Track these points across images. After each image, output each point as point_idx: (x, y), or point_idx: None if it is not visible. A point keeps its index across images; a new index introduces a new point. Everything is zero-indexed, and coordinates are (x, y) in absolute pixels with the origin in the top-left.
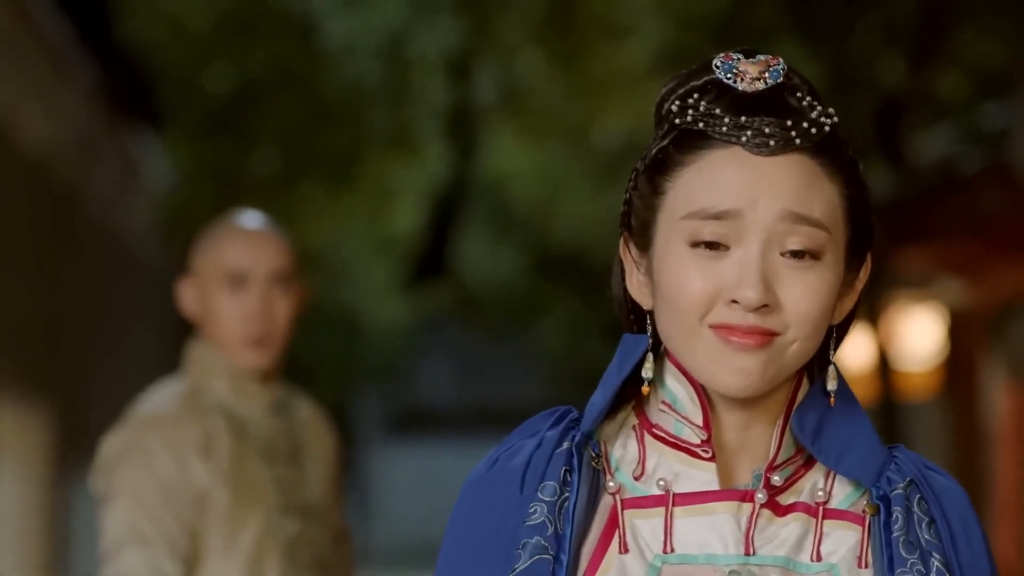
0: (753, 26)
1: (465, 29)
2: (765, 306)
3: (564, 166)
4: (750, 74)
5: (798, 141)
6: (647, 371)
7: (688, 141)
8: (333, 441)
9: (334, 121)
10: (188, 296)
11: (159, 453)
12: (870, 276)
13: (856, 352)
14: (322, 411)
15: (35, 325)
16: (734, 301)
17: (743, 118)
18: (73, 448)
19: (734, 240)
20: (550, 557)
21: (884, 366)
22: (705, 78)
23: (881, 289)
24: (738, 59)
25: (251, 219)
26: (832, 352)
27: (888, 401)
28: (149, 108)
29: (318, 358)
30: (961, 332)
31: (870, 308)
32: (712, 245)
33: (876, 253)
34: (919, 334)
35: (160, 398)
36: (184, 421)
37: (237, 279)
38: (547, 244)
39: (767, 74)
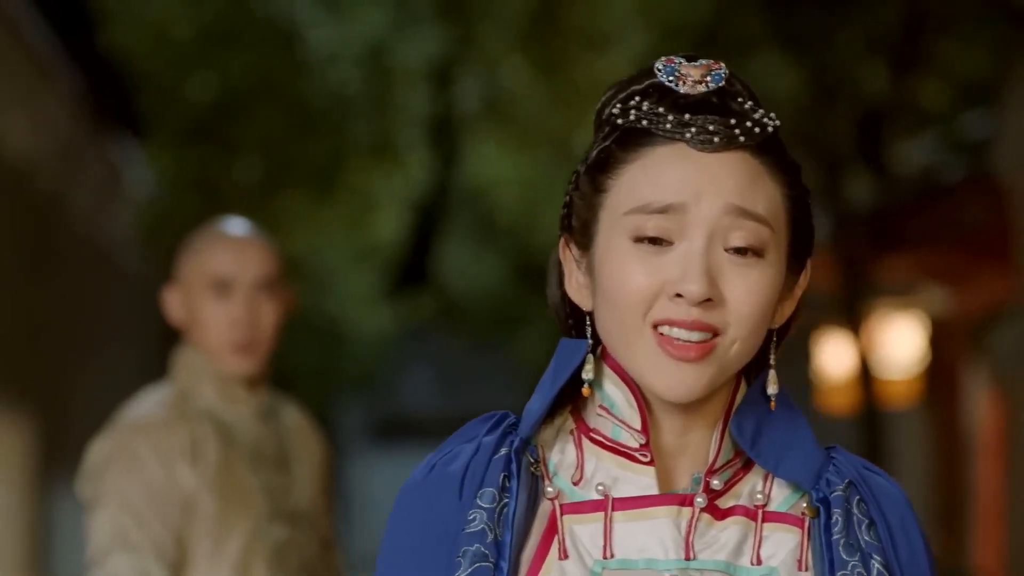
0: (735, 35)
1: (447, 38)
2: (708, 300)
3: (547, 175)
4: (692, 77)
5: (742, 139)
6: (587, 372)
7: (631, 139)
8: (322, 447)
9: (316, 130)
10: (174, 303)
11: (146, 458)
12: (852, 283)
13: (838, 360)
14: (310, 417)
15: (17, 333)
16: (678, 295)
17: (687, 115)
18: (56, 456)
19: (677, 235)
20: (490, 565)
21: (866, 374)
22: (647, 82)
23: (863, 297)
24: (680, 63)
25: (237, 226)
26: (772, 356)
27: (870, 409)
28: (132, 116)
29: (300, 366)
30: (943, 340)
31: (852, 316)
32: (655, 240)
33: (859, 260)
34: (901, 342)
35: (147, 404)
36: (171, 426)
37: (222, 286)
38: (529, 253)
39: (709, 78)
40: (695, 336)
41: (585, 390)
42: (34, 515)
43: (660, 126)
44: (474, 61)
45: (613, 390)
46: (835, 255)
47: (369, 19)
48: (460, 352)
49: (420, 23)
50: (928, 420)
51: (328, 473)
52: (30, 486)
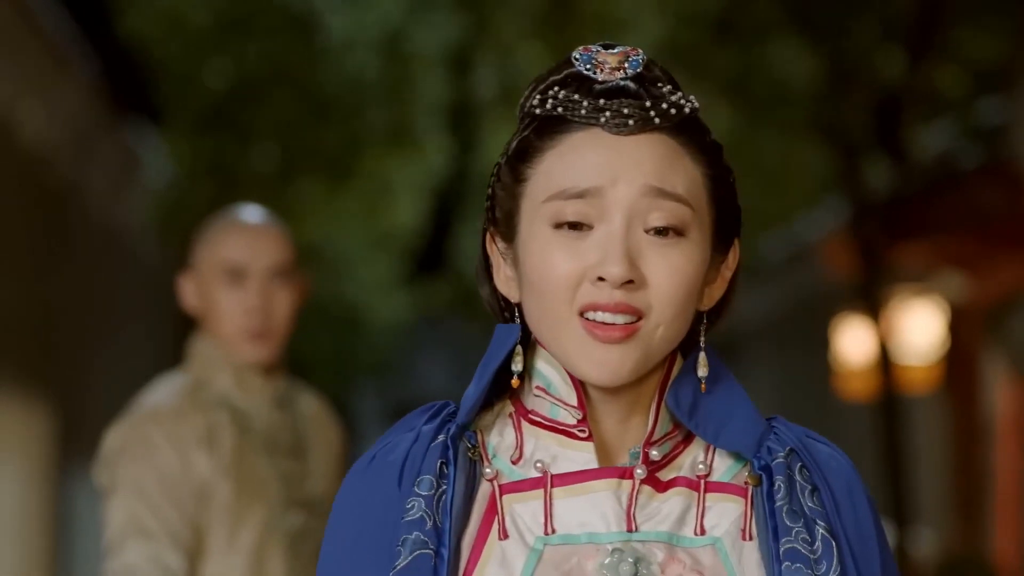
0: (751, 22)
1: (464, 24)
2: (630, 282)
3: None
4: (609, 64)
5: (657, 120)
6: (516, 364)
7: (548, 127)
8: (338, 435)
9: (333, 116)
10: (189, 291)
11: (161, 446)
12: (870, 269)
13: (857, 346)
14: (327, 405)
15: (33, 321)
16: (600, 279)
17: (602, 101)
18: (72, 443)
19: (597, 218)
20: (431, 552)
21: (885, 360)
22: (565, 72)
23: (881, 283)
24: (597, 51)
25: (251, 213)
26: (702, 338)
27: (889, 395)
28: (148, 103)
29: (316, 353)
30: (961, 326)
31: (871, 302)
32: (575, 225)
33: (876, 247)
34: (919, 328)
35: (163, 392)
36: (186, 414)
37: (236, 273)
38: None
39: (626, 64)
40: (620, 319)
41: (515, 382)
42: (51, 502)
43: (575, 112)
44: (490, 47)
45: (548, 370)
46: (853, 242)
47: (385, 5)
48: (475, 339)
49: (436, 9)
50: (946, 406)
51: (344, 460)
52: (47, 473)
